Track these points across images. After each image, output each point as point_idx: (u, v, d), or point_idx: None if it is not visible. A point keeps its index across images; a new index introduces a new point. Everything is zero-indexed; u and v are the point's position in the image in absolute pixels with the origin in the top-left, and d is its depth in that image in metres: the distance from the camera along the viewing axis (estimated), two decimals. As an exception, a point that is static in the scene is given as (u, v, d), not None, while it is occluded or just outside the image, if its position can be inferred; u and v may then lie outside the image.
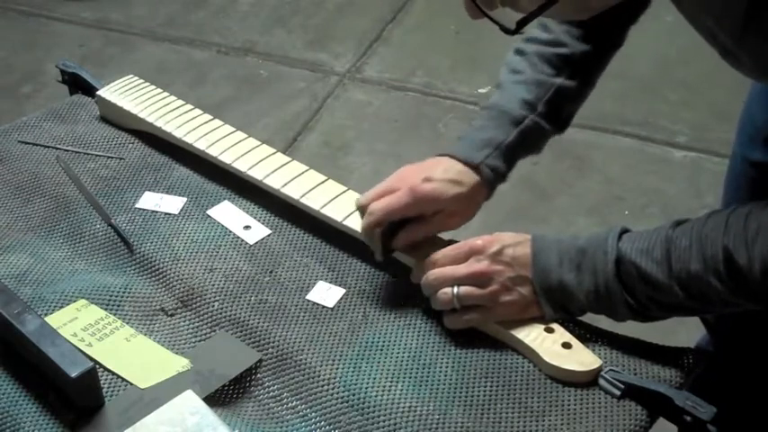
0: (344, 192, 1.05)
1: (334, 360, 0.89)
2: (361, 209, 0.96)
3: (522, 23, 0.76)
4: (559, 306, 0.88)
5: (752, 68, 0.81)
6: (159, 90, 1.24)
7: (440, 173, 0.95)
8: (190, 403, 0.81)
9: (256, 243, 1.05)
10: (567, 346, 0.88)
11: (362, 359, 0.89)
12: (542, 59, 1.01)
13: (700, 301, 0.81)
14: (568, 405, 0.84)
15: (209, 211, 1.09)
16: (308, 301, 0.97)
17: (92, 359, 0.87)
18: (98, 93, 1.25)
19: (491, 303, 0.89)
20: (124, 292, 0.97)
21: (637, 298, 0.84)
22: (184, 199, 1.11)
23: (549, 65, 1.00)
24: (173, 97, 1.22)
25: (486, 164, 0.97)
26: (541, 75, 1.00)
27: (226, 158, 1.10)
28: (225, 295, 0.97)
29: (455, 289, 0.89)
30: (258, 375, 0.89)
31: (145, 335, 0.93)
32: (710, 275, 0.78)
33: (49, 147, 1.20)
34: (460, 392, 0.86)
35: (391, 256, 0.97)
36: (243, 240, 1.05)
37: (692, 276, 0.80)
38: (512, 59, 1.04)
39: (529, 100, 1.00)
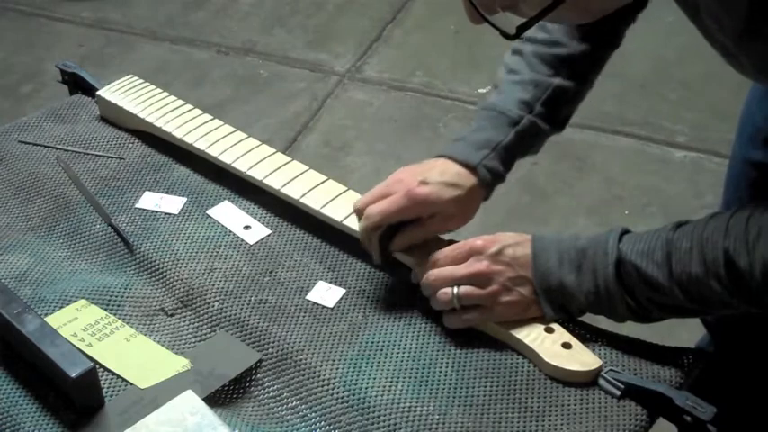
0: (344, 192, 1.05)
1: (334, 360, 0.89)
2: (358, 212, 0.96)
3: (522, 29, 0.76)
4: (559, 306, 0.88)
5: (751, 70, 0.81)
6: (159, 90, 1.24)
7: (436, 175, 0.95)
8: (190, 403, 0.81)
9: (256, 243, 1.05)
10: (566, 346, 0.88)
11: (362, 359, 0.89)
12: (540, 59, 1.01)
13: (700, 304, 0.81)
14: (568, 405, 0.84)
15: (209, 211, 1.09)
16: (308, 301, 0.97)
17: (92, 359, 0.87)
18: (98, 93, 1.25)
19: (491, 303, 0.89)
20: (124, 293, 0.97)
21: (637, 299, 0.84)
22: (184, 199, 1.11)
23: (546, 65, 1.00)
24: (173, 97, 1.22)
25: (483, 165, 0.96)
26: (539, 75, 1.00)
27: (226, 158, 1.10)
28: (225, 295, 0.97)
29: (455, 289, 0.89)
30: (258, 375, 0.89)
31: (145, 335, 0.93)
32: (711, 278, 0.78)
33: (48, 147, 1.20)
34: (460, 392, 0.86)
35: (389, 258, 0.97)
36: (243, 240, 1.05)
37: (693, 279, 0.80)
38: (509, 59, 1.04)
39: (526, 100, 0.99)
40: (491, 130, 0.99)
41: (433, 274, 0.91)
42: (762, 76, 0.85)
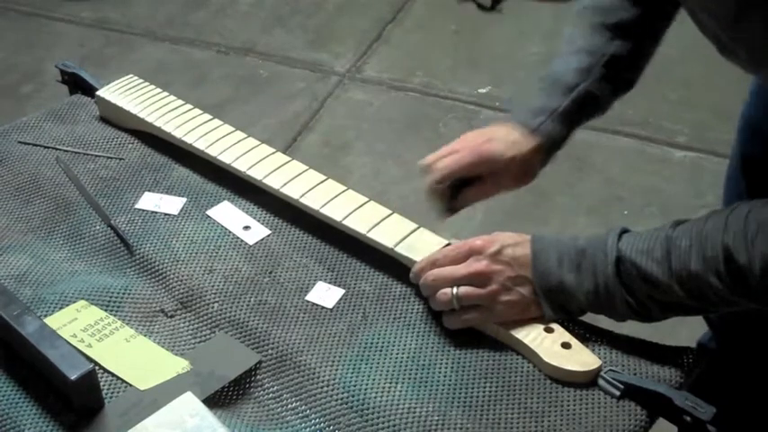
0: (344, 191, 1.05)
1: (333, 361, 0.89)
2: (425, 168, 1.01)
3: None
4: (559, 306, 0.88)
5: (748, 61, 0.81)
6: (159, 90, 1.23)
7: (501, 135, 1.00)
8: (189, 405, 0.81)
9: (256, 243, 1.05)
10: (566, 346, 0.88)
11: (362, 360, 0.89)
12: (594, 28, 1.02)
13: (700, 301, 0.81)
14: (568, 405, 0.84)
15: (208, 212, 1.09)
16: (308, 301, 0.97)
17: (91, 360, 0.87)
18: (97, 93, 1.25)
19: (490, 303, 0.89)
20: (124, 293, 0.97)
21: (637, 297, 0.84)
22: (184, 199, 1.11)
23: (601, 32, 1.02)
24: (172, 97, 1.22)
25: (542, 129, 1.01)
26: (594, 43, 1.02)
27: (225, 158, 1.10)
28: (224, 296, 0.97)
29: (454, 289, 0.89)
30: (258, 377, 0.89)
31: (145, 336, 0.93)
32: (711, 275, 0.78)
33: (48, 147, 1.20)
34: (460, 393, 0.86)
35: (452, 213, 1.03)
36: (242, 241, 1.05)
37: (693, 276, 0.79)
38: (567, 31, 1.06)
39: (582, 67, 1.01)
40: (546, 98, 1.02)
41: (433, 274, 0.91)
42: (759, 67, 0.84)
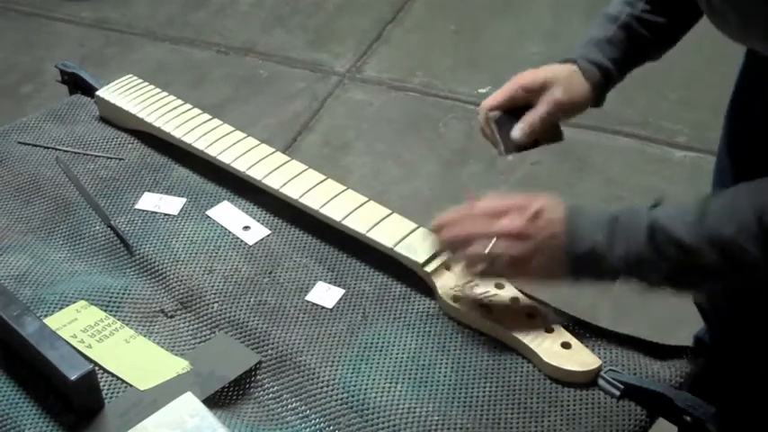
0: (344, 191, 1.04)
1: (333, 361, 0.89)
2: (481, 111, 1.04)
3: None
4: (586, 273, 0.87)
5: (737, 24, 0.81)
6: (158, 90, 1.23)
7: (545, 67, 1.03)
8: (189, 405, 0.81)
9: (256, 243, 1.05)
10: (566, 346, 0.88)
11: (362, 360, 0.89)
12: None
13: (732, 267, 0.81)
14: (568, 405, 0.84)
15: (208, 212, 1.09)
16: (308, 301, 0.97)
17: (91, 360, 0.87)
18: (97, 93, 1.25)
19: (522, 265, 0.87)
20: (124, 294, 0.97)
21: (669, 263, 0.83)
22: (184, 199, 1.11)
23: None
24: (172, 97, 1.22)
25: (583, 57, 1.01)
26: None
27: (225, 158, 1.10)
28: (224, 296, 0.97)
29: (490, 244, 0.87)
30: (258, 377, 0.89)
31: (144, 336, 0.93)
32: (744, 239, 0.78)
33: (48, 147, 1.20)
34: (460, 393, 0.86)
35: (515, 149, 1.02)
36: (242, 241, 1.05)
37: (726, 241, 0.79)
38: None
39: (629, 1, 1.03)
40: (595, 29, 1.04)
41: (466, 229, 0.89)
42: (747, 29, 0.84)
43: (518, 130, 1.01)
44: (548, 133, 1.04)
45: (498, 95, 1.03)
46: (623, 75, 1.05)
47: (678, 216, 0.82)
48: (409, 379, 0.87)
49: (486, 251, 0.87)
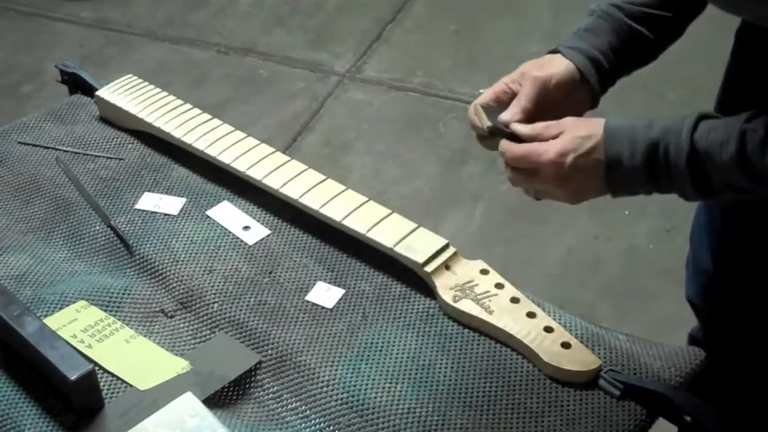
0: (344, 191, 1.04)
1: (333, 361, 0.89)
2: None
3: None
4: (623, 189, 0.92)
5: None
6: (158, 90, 1.23)
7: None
8: (189, 405, 0.81)
9: (255, 243, 1.05)
10: (566, 345, 0.88)
11: (362, 360, 0.89)
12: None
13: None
14: (568, 405, 0.84)
15: (208, 212, 1.09)
16: (308, 301, 0.97)
17: (91, 360, 0.87)
18: (97, 93, 1.24)
19: (567, 194, 0.92)
20: (124, 294, 0.97)
21: (707, 181, 0.85)
22: (184, 199, 1.11)
23: None
24: (172, 97, 1.22)
25: (565, 46, 1.00)
26: None
27: (225, 158, 1.10)
28: (224, 297, 0.97)
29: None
30: (258, 377, 0.89)
31: (144, 336, 0.93)
32: None
33: (48, 147, 1.20)
34: (460, 393, 0.86)
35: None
36: (242, 241, 1.05)
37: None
38: None
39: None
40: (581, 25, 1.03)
41: (525, 161, 0.91)
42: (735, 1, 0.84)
43: (507, 113, 0.98)
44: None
45: (485, 95, 1.01)
46: (620, 66, 1.02)
47: (720, 142, 0.82)
48: (409, 379, 0.87)
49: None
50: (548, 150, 0.89)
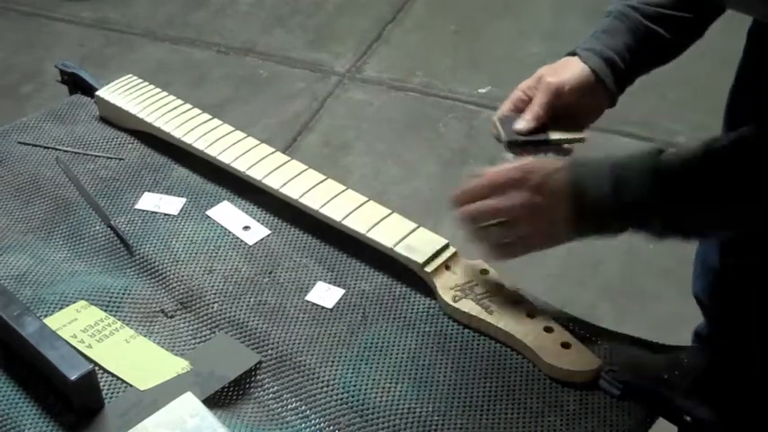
0: (344, 191, 1.04)
1: (333, 361, 0.89)
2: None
3: None
4: (591, 229, 0.88)
5: None
6: (158, 90, 1.23)
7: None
8: (189, 405, 0.81)
9: (255, 243, 1.05)
10: (566, 345, 0.88)
11: (362, 360, 0.89)
12: None
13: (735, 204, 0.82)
14: (568, 405, 0.84)
15: (208, 212, 1.09)
16: (308, 302, 0.97)
17: (91, 360, 0.87)
18: (97, 93, 1.24)
19: (528, 240, 0.89)
20: (124, 294, 0.97)
21: (675, 208, 0.84)
22: (184, 199, 1.11)
23: None
24: (172, 97, 1.22)
25: (581, 48, 1.01)
26: None
27: (225, 158, 1.10)
28: (224, 297, 0.97)
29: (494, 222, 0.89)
30: (258, 377, 0.89)
31: (144, 336, 0.93)
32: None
33: (48, 147, 1.20)
34: (460, 393, 0.86)
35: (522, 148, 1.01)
36: (242, 241, 1.05)
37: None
38: None
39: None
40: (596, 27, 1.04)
41: (476, 209, 0.90)
42: None
43: (521, 122, 1.01)
44: (560, 126, 1.04)
45: (503, 106, 1.03)
46: (637, 66, 1.03)
47: (684, 160, 0.83)
48: (409, 379, 0.87)
49: (488, 231, 0.89)
50: (509, 169, 0.90)
